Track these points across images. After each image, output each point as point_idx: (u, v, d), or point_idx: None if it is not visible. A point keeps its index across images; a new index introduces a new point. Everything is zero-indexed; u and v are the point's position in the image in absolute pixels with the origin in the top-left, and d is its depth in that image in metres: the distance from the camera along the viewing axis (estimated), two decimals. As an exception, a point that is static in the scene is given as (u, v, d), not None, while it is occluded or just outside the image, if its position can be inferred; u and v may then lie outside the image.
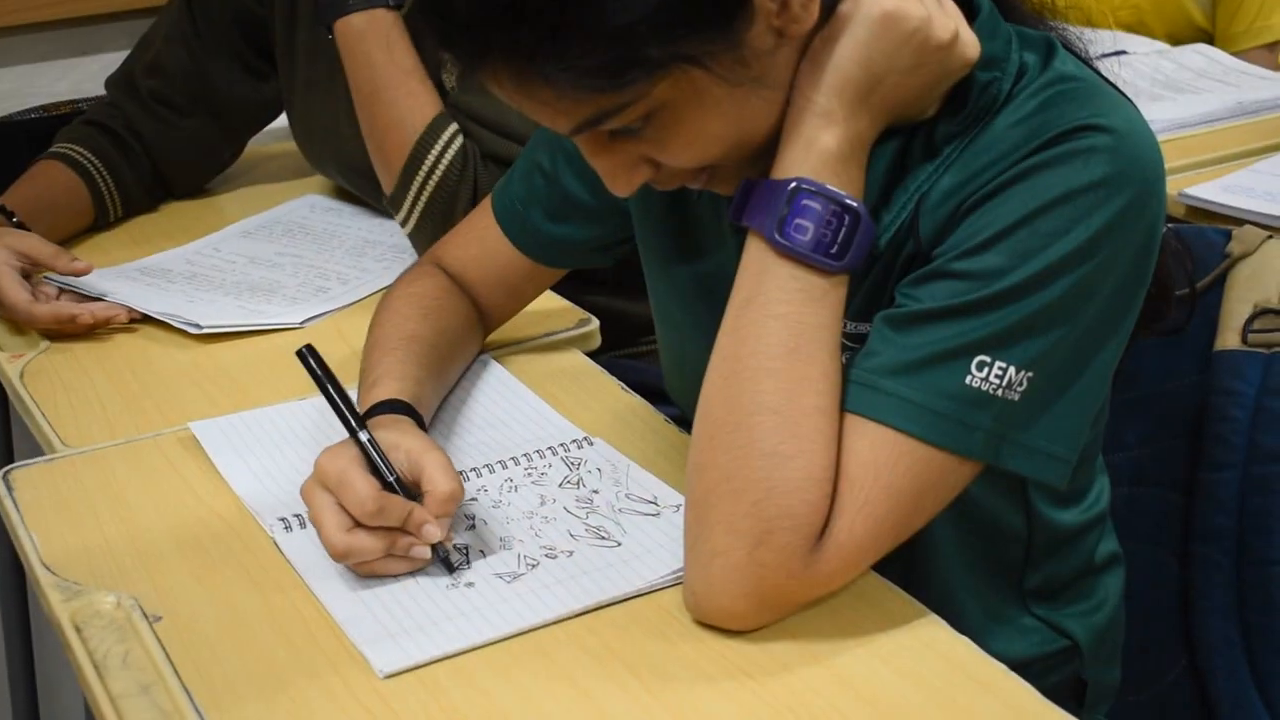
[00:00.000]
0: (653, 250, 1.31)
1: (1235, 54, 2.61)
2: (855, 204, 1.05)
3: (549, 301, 1.59)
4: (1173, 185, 1.95)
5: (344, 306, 1.67)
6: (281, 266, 1.78)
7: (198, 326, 1.59)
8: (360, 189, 1.93)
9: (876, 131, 1.08)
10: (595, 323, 1.59)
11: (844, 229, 1.04)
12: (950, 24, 1.06)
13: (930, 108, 1.10)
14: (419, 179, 1.66)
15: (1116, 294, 1.06)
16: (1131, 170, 1.04)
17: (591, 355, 1.58)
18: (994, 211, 1.04)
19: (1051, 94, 1.07)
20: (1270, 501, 1.42)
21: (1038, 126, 1.05)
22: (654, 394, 1.44)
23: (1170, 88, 2.30)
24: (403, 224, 1.71)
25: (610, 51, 0.96)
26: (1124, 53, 2.47)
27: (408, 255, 1.68)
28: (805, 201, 1.04)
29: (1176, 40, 2.70)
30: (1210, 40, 2.71)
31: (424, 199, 1.66)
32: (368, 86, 1.70)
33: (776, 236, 1.04)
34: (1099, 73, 1.14)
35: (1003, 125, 1.07)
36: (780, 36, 1.02)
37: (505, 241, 1.41)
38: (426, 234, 1.67)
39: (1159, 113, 2.17)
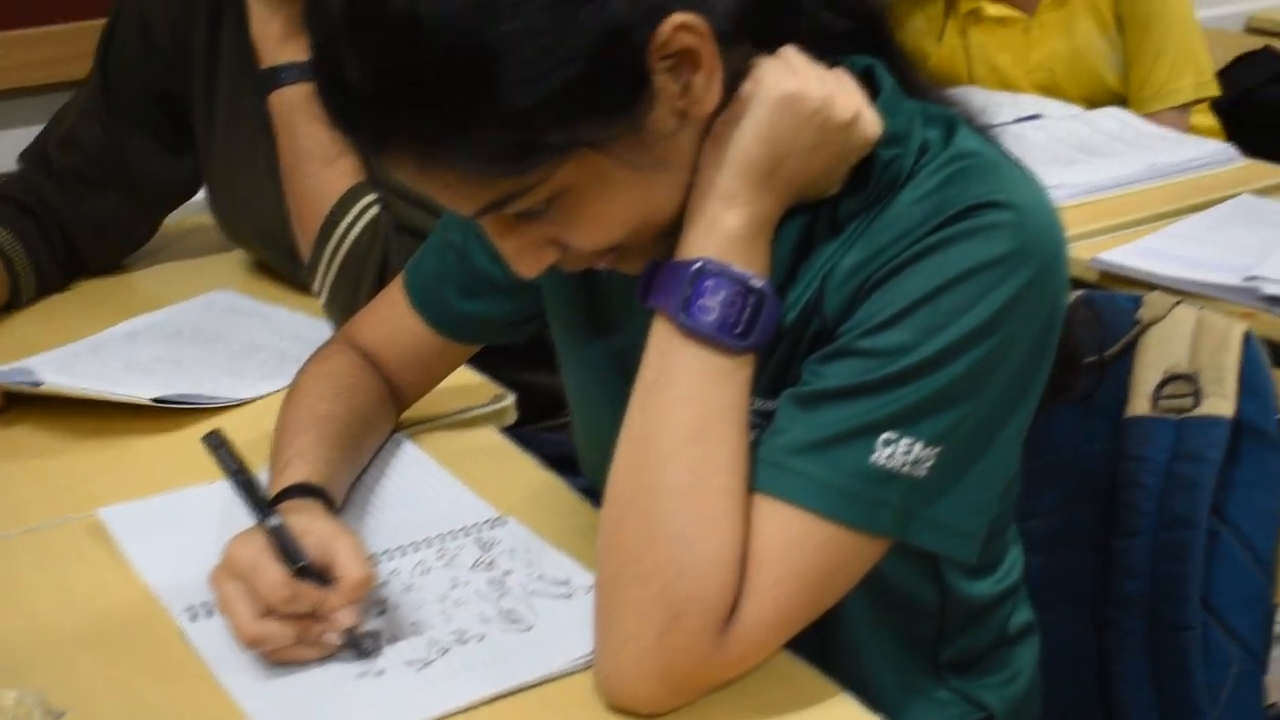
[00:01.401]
0: (564, 327, 1.31)
1: (1148, 116, 2.65)
2: (760, 284, 1.05)
3: (464, 377, 1.58)
4: (1086, 250, 1.98)
5: (196, 418, 1.57)
6: (154, 372, 1.71)
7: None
8: (279, 261, 1.92)
9: (780, 210, 1.08)
10: (511, 398, 1.59)
11: (749, 308, 1.05)
12: (851, 103, 1.06)
13: (834, 185, 1.10)
14: (330, 247, 1.66)
15: (1021, 368, 1.07)
16: (1033, 246, 1.05)
17: (511, 428, 1.57)
18: (898, 288, 1.05)
19: (953, 170, 1.08)
20: (1182, 567, 1.42)
21: (940, 203, 1.06)
22: (573, 467, 1.43)
23: (1084, 151, 2.33)
24: (317, 293, 1.71)
25: (512, 135, 0.96)
26: (1039, 116, 2.51)
27: (291, 363, 1.64)
28: (709, 282, 1.04)
29: (1091, 103, 2.73)
30: (1124, 103, 2.75)
31: (334, 268, 1.66)
32: (292, 157, 1.70)
33: (681, 317, 1.05)
34: (1001, 147, 1.15)
35: (905, 202, 1.08)
36: (683, 118, 1.03)
37: (417, 318, 1.40)
38: (339, 304, 1.67)
39: (1073, 176, 2.20)
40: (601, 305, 1.26)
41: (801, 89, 1.04)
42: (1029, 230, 1.05)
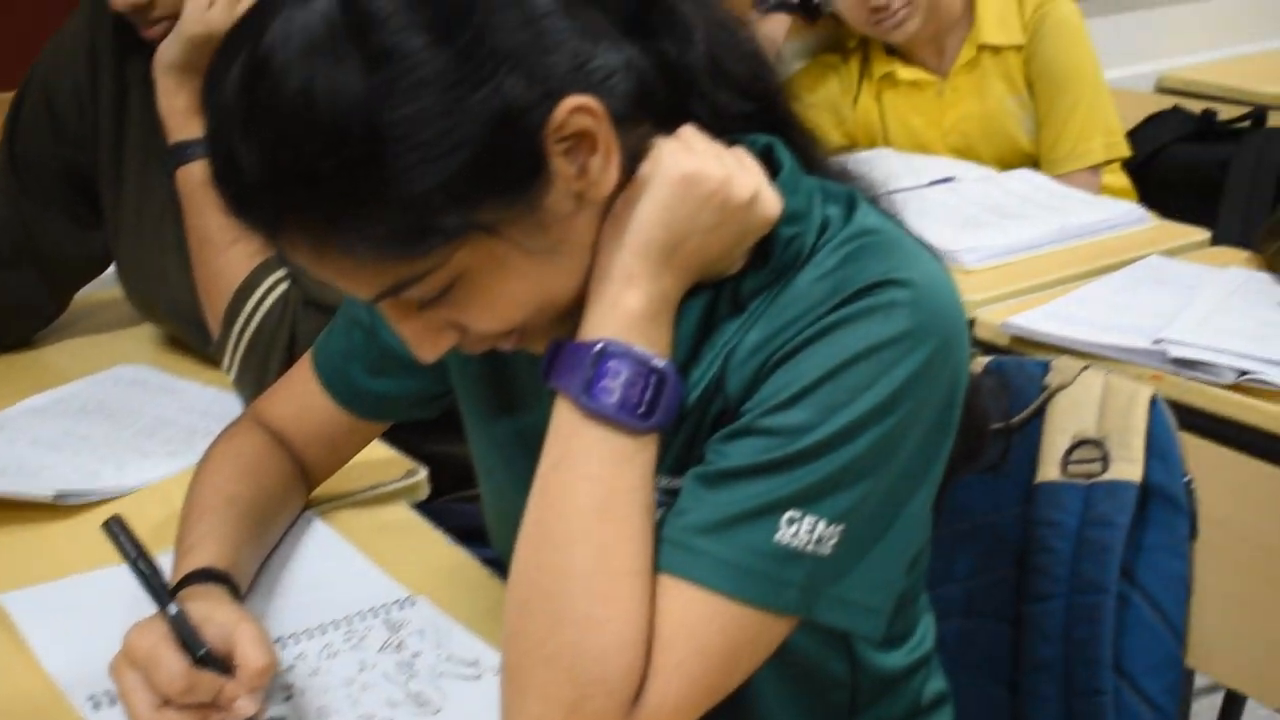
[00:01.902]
0: (472, 405, 1.31)
1: (1059, 177, 2.69)
2: (662, 364, 1.05)
3: (376, 451, 1.57)
4: (997, 314, 2.00)
5: (102, 501, 1.56)
6: (61, 449, 1.69)
7: None
8: (189, 335, 1.90)
9: (682, 289, 1.08)
10: (423, 473, 1.58)
11: (650, 389, 1.05)
12: (750, 182, 1.07)
13: (736, 263, 1.11)
14: (239, 324, 1.64)
15: (923, 444, 1.07)
16: (932, 323, 1.06)
17: (426, 499, 1.56)
18: (799, 367, 1.05)
19: (853, 248, 1.09)
20: (1094, 631, 1.43)
21: (840, 282, 1.07)
22: (487, 539, 1.42)
23: (996, 214, 2.35)
24: (226, 370, 1.69)
25: (406, 220, 0.96)
26: (952, 179, 2.53)
27: (201, 438, 1.62)
28: (611, 363, 1.04)
29: (1005, 164, 2.76)
30: (1037, 164, 2.79)
31: (243, 344, 1.65)
32: (200, 233, 1.69)
33: (583, 399, 1.04)
34: (901, 223, 1.16)
35: (806, 280, 1.08)
36: (580, 200, 1.03)
37: (326, 396, 1.39)
38: (249, 381, 1.66)
39: (985, 240, 2.22)
40: (508, 384, 1.26)
41: (700, 169, 1.05)
42: (927, 307, 1.06)
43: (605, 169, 1.03)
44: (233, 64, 0.98)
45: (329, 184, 0.96)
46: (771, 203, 1.08)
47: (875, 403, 1.03)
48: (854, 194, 1.14)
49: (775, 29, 2.76)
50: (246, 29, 0.99)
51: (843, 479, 1.03)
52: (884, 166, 2.49)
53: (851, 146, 2.90)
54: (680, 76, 1.09)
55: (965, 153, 2.81)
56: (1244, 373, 1.77)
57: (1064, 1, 2.80)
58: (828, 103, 2.89)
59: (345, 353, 1.37)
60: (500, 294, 1.04)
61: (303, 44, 0.96)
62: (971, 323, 1.99)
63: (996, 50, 2.79)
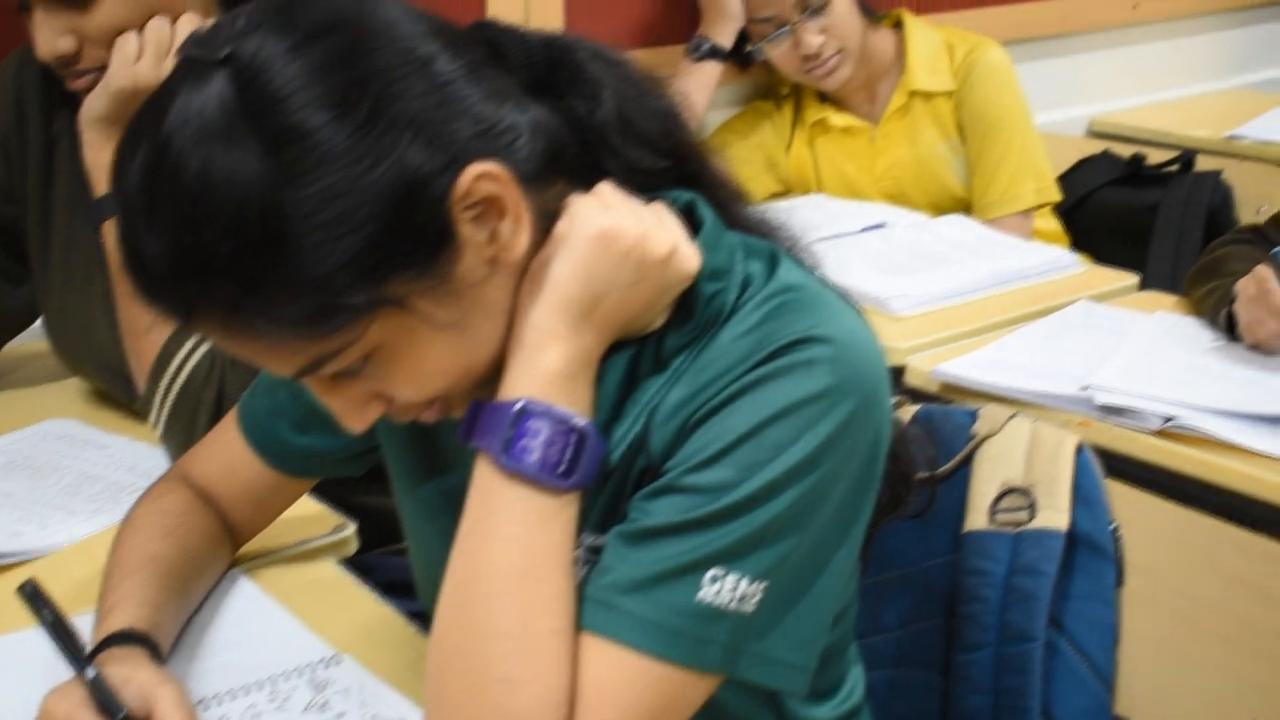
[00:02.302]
0: (398, 465, 1.30)
1: (991, 222, 2.71)
2: (582, 423, 1.05)
3: (305, 506, 1.56)
4: (927, 361, 2.01)
5: (24, 561, 1.53)
6: None
7: None
8: (117, 389, 1.89)
9: (602, 347, 1.08)
10: (351, 528, 1.57)
11: (571, 448, 1.05)
12: (668, 238, 1.07)
13: (657, 319, 1.11)
14: (165, 380, 1.63)
15: (845, 500, 1.08)
16: (853, 379, 1.06)
17: (357, 552, 1.55)
18: (721, 425, 1.05)
19: (774, 305, 1.09)
20: (1023, 681, 1.43)
21: (761, 339, 1.07)
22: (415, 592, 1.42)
23: (928, 260, 2.37)
24: (153, 426, 1.68)
25: (312, 301, 0.96)
26: (884, 225, 2.55)
27: (127, 494, 1.61)
28: (531, 423, 1.04)
29: (938, 208, 2.79)
30: (970, 208, 2.80)
31: (170, 400, 1.63)
32: (126, 288, 1.68)
33: (503, 459, 1.04)
34: (823, 279, 1.16)
35: (728, 337, 1.09)
36: (493, 265, 1.03)
37: (251, 453, 1.38)
38: (176, 437, 1.64)
39: (916, 286, 2.23)
40: (434, 443, 1.25)
41: (616, 226, 1.05)
42: (849, 364, 1.06)
43: (516, 233, 1.03)
44: (136, 151, 0.98)
45: (232, 270, 0.95)
46: (690, 258, 1.08)
47: (797, 460, 1.04)
48: (775, 250, 1.15)
49: (707, 77, 2.77)
50: (148, 114, 0.99)
51: (765, 536, 1.03)
52: (816, 212, 2.53)
53: (786, 193, 2.92)
54: (591, 134, 1.09)
55: (898, 198, 2.83)
56: (1169, 419, 1.78)
57: (994, 48, 2.83)
58: (761, 150, 2.90)
59: (271, 409, 1.36)
60: (419, 364, 1.03)
61: (199, 129, 0.95)
62: (901, 370, 2.02)
63: (928, 96, 2.82)
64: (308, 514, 1.58)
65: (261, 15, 0.99)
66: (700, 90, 2.76)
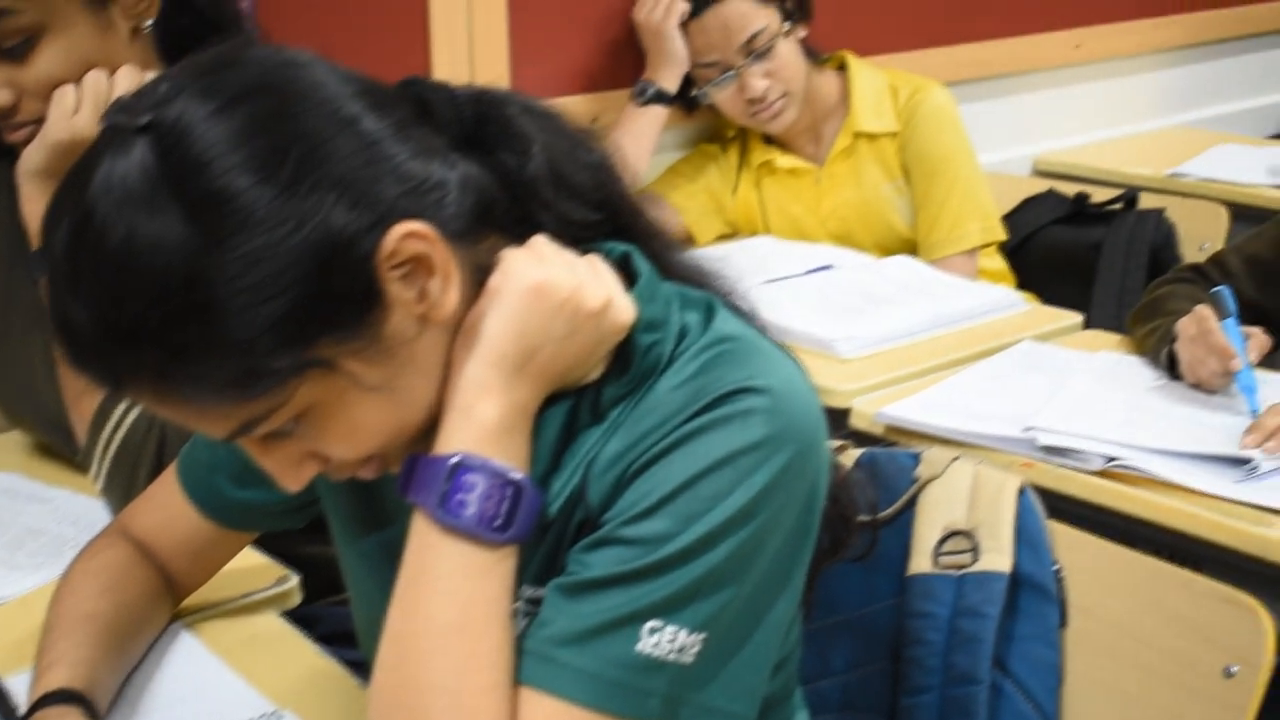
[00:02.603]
0: (338, 517, 1.30)
1: (936, 261, 2.72)
2: (518, 476, 1.05)
3: (247, 558, 1.55)
4: (872, 404, 2.02)
5: None
6: None
7: None
8: (58, 442, 1.87)
9: (538, 399, 1.08)
10: (294, 580, 1.56)
11: (507, 501, 1.05)
12: (602, 290, 1.08)
13: (594, 371, 1.11)
14: (105, 433, 1.62)
15: (783, 549, 1.08)
16: (789, 429, 1.06)
17: (302, 603, 1.54)
18: (658, 476, 1.05)
19: (711, 356, 1.09)
20: (969, 724, 1.44)
21: (698, 390, 1.07)
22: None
23: (873, 301, 2.38)
24: (94, 480, 1.67)
25: (238, 365, 0.96)
26: (830, 267, 2.56)
27: (70, 548, 1.59)
28: (467, 477, 1.04)
29: (884, 249, 2.80)
30: (915, 248, 2.82)
31: (111, 453, 1.62)
32: None
33: (439, 513, 1.04)
34: (761, 328, 1.17)
35: (665, 388, 1.09)
36: (425, 322, 1.03)
37: (191, 507, 1.37)
38: (117, 490, 1.63)
39: (862, 328, 2.24)
40: (373, 496, 1.25)
41: (549, 278, 1.05)
42: (785, 414, 1.07)
43: (445, 291, 1.03)
44: (61, 219, 0.98)
45: (158, 338, 0.95)
46: (625, 310, 1.09)
47: (734, 511, 1.04)
48: (712, 300, 1.15)
49: (653, 121, 2.78)
50: (73, 181, 0.99)
51: (703, 588, 1.03)
52: (764, 254, 2.54)
53: (733, 235, 2.93)
54: (522, 188, 1.09)
55: (844, 239, 2.84)
56: (1111, 459, 1.80)
57: (937, 89, 2.85)
58: (708, 192, 2.91)
59: (210, 463, 1.36)
60: (351, 424, 1.04)
61: (122, 196, 0.95)
62: (847, 412, 2.02)
63: (872, 138, 2.83)
64: (250, 566, 1.57)
65: (185, 80, 0.99)
66: (646, 135, 2.77)
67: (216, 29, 1.83)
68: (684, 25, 2.75)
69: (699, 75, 2.78)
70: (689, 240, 2.85)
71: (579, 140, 1.14)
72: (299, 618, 1.53)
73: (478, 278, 1.06)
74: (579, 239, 1.11)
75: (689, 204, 2.88)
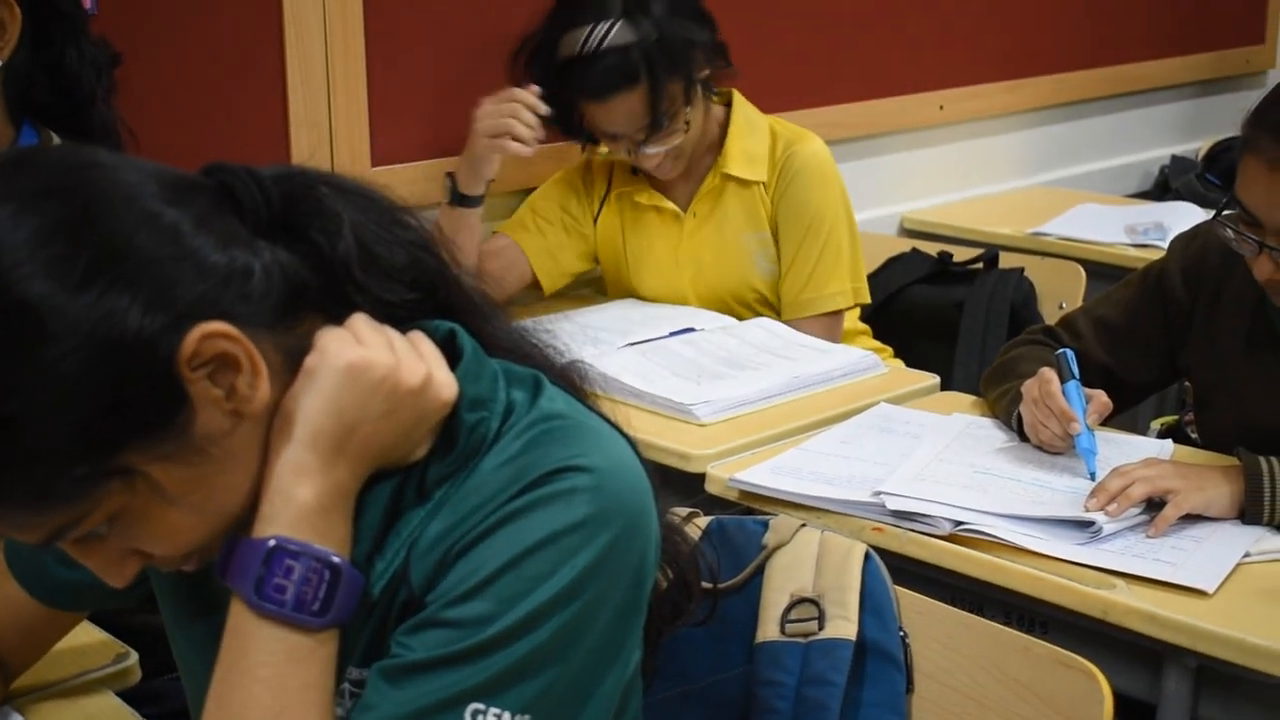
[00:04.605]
0: (168, 602, 1.27)
1: (801, 320, 2.71)
2: (337, 559, 1.04)
3: (84, 635, 1.52)
4: (727, 469, 2.02)
5: None
6: None
7: None
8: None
9: (359, 479, 1.07)
10: (134, 657, 1.52)
11: (325, 585, 1.03)
12: (421, 368, 1.07)
13: (418, 449, 1.10)
14: None
15: (610, 626, 1.07)
16: (613, 508, 1.06)
17: (144, 678, 1.51)
18: (480, 557, 1.05)
19: (536, 434, 1.09)
20: (816, 792, 1.44)
21: (521, 469, 1.07)
22: None
23: (732, 365, 2.38)
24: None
25: (40, 477, 0.95)
26: (692, 330, 2.56)
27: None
28: (284, 561, 1.03)
29: (737, 296, 2.78)
30: (771, 300, 2.80)
31: None
32: None
33: (254, 598, 1.03)
34: (587, 404, 1.16)
35: (489, 467, 1.08)
36: (236, 416, 1.02)
37: (18, 588, 1.34)
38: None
39: (720, 392, 2.25)
40: (202, 582, 1.22)
41: (365, 358, 1.05)
42: (610, 492, 1.06)
43: (255, 385, 1.02)
44: None
45: None
46: (446, 387, 1.08)
47: (557, 591, 1.03)
48: (539, 376, 1.15)
49: (463, 219, 2.68)
50: None
51: (526, 669, 1.03)
52: (626, 317, 2.54)
53: (591, 270, 2.90)
54: (333, 269, 1.08)
55: (698, 279, 2.80)
56: (959, 523, 1.81)
57: (816, 142, 2.79)
58: (564, 227, 2.85)
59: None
60: (165, 525, 1.02)
61: None
62: (702, 478, 2.02)
63: (742, 183, 2.77)
64: (86, 643, 1.53)
65: None
66: (461, 232, 2.66)
67: (73, 108, 1.82)
68: (579, 100, 2.65)
69: (596, 132, 2.71)
70: (537, 287, 2.82)
71: (394, 218, 1.13)
72: (140, 694, 1.50)
73: (294, 362, 1.05)
74: (399, 317, 1.10)
75: (541, 245, 2.82)
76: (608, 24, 2.59)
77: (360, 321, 1.08)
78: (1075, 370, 2.03)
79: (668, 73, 2.60)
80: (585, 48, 2.59)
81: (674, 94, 2.62)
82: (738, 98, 2.82)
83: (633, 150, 2.68)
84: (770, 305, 2.81)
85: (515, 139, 2.61)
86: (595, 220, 2.86)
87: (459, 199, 2.67)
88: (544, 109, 2.64)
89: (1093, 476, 1.91)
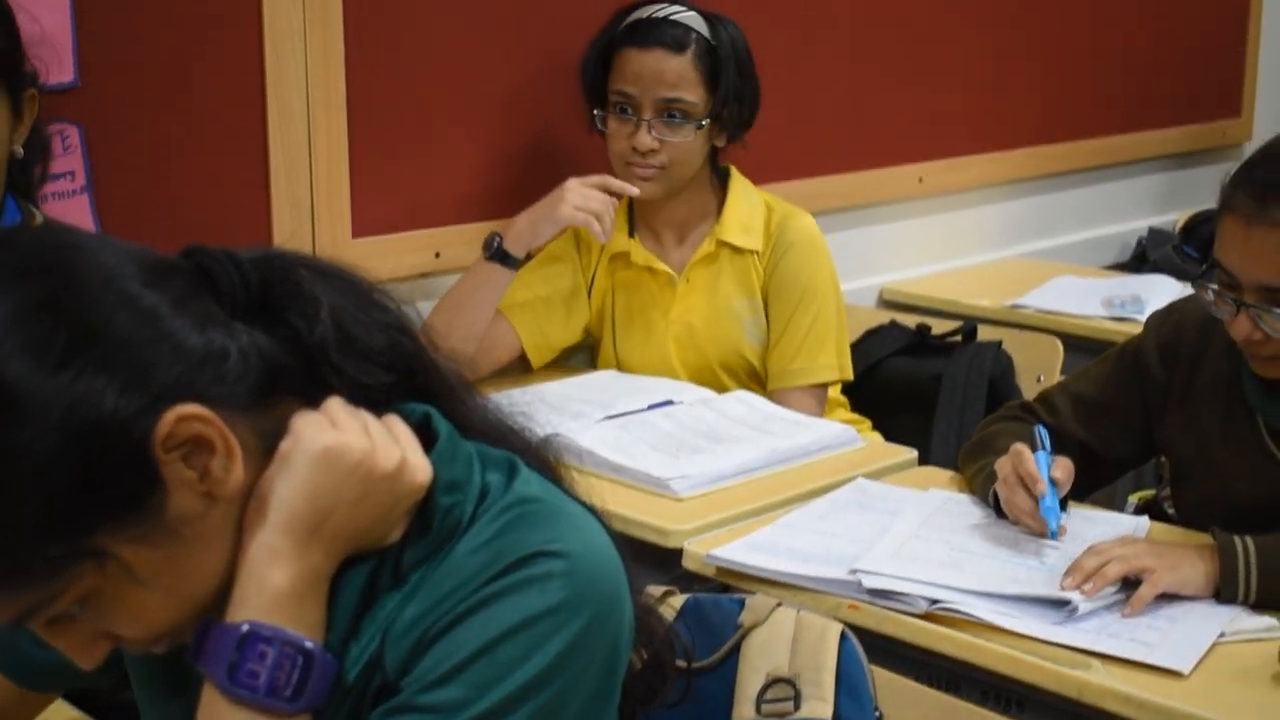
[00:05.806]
0: (141, 682, 1.26)
1: (785, 390, 2.72)
2: (310, 644, 1.04)
3: (57, 715, 1.51)
4: (704, 545, 2.02)
5: None
6: None
7: None
8: None
9: (333, 563, 1.07)
10: (106, 736, 1.52)
11: (298, 670, 1.03)
12: (396, 452, 1.07)
13: (393, 533, 1.10)
14: None
15: (584, 712, 1.07)
16: (587, 592, 1.06)
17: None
18: (454, 642, 1.05)
19: (510, 518, 1.09)
20: None
21: (496, 553, 1.07)
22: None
23: (710, 439, 2.38)
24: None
25: (10, 555, 0.95)
26: (671, 403, 2.56)
27: None
28: (257, 646, 1.03)
29: (724, 364, 2.80)
30: (757, 369, 2.81)
31: None
32: None
33: (228, 684, 1.02)
34: (562, 488, 1.17)
35: (464, 551, 1.08)
36: (210, 499, 1.02)
37: (-8, 669, 1.34)
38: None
39: (698, 466, 2.25)
40: (175, 662, 1.21)
41: (340, 442, 1.05)
42: (584, 577, 1.07)
43: (229, 468, 1.02)
44: None
45: None
46: (420, 470, 1.08)
47: (530, 677, 1.03)
48: (514, 459, 1.15)
49: (493, 277, 2.72)
50: None
51: (501, 755, 1.03)
52: (605, 390, 2.54)
53: (584, 337, 2.91)
54: (310, 353, 1.08)
55: (686, 344, 2.82)
56: (935, 601, 1.81)
57: (807, 218, 2.84)
58: (559, 300, 2.85)
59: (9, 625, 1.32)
60: (136, 608, 1.02)
61: None
62: (679, 553, 2.02)
63: (736, 251, 2.80)
64: (61, 721, 1.52)
65: None
66: (485, 289, 2.71)
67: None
68: (620, 48, 2.73)
69: (611, 98, 2.74)
70: (527, 364, 2.83)
71: (372, 301, 1.14)
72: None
73: (269, 444, 1.05)
74: (375, 400, 1.11)
75: (533, 323, 2.82)
76: (684, 8, 2.74)
77: (335, 405, 1.08)
78: (1048, 445, 2.04)
79: (708, 74, 2.71)
80: (654, 12, 2.74)
81: (702, 95, 2.71)
82: (734, 171, 2.88)
83: (637, 127, 2.70)
84: (756, 377, 2.83)
85: (599, 222, 2.68)
86: (590, 287, 2.87)
87: (500, 255, 2.69)
88: (633, 190, 2.72)
89: (1053, 536, 1.93)
